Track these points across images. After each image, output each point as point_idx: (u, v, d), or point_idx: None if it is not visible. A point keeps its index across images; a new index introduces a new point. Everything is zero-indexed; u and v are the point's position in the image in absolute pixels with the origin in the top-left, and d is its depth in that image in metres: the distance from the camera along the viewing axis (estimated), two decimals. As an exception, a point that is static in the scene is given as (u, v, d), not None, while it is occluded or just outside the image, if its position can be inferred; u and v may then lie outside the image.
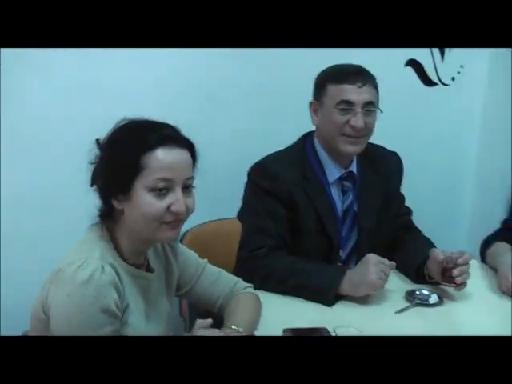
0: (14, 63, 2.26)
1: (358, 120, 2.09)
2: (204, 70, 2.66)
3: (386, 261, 1.96)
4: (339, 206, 2.22)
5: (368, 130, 2.14)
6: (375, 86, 2.15)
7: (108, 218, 1.58)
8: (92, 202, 1.60)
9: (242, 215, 2.23)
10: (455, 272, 1.96)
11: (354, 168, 2.24)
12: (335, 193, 2.22)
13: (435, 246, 2.23)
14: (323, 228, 2.17)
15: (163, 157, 1.52)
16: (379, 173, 2.28)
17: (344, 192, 2.23)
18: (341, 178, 2.22)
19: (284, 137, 2.30)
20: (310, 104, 2.21)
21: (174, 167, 1.52)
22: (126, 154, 1.51)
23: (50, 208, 2.47)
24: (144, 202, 1.51)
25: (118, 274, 1.52)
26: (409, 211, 2.42)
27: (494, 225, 3.37)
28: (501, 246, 2.28)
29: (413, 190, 2.45)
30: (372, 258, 1.96)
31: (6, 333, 2.04)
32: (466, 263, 1.98)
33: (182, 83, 2.63)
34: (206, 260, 1.85)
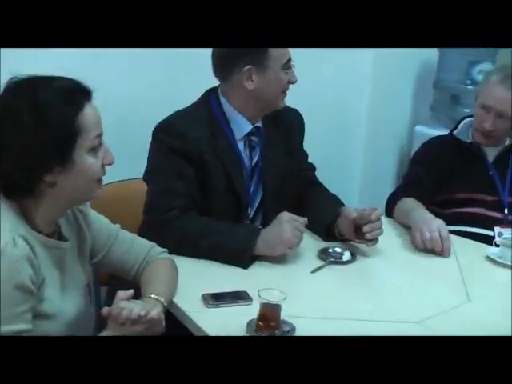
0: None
1: (294, 75, 2.14)
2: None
3: (299, 218, 1.96)
4: (247, 163, 2.19)
5: None
6: None
7: (24, 195, 1.46)
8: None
9: (148, 176, 2.14)
10: (366, 228, 1.99)
11: (259, 123, 2.21)
12: (243, 149, 2.19)
13: (342, 203, 2.26)
14: (232, 186, 2.13)
15: (92, 112, 1.45)
16: (281, 128, 2.27)
17: (252, 148, 2.20)
18: (249, 134, 2.18)
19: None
20: (245, 71, 2.09)
21: (99, 121, 1.47)
22: (60, 120, 1.40)
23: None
24: (87, 165, 1.45)
25: (31, 246, 1.42)
26: (312, 167, 2.42)
27: (385, 178, 3.51)
28: (409, 202, 2.33)
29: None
30: (285, 215, 1.96)
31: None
32: (378, 219, 2.00)
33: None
34: (118, 226, 1.77)
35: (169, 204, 2.02)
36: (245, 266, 1.93)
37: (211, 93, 2.21)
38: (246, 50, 2.09)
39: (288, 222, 1.93)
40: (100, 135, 1.48)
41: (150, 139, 2.12)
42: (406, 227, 2.22)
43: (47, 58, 2.18)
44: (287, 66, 2.10)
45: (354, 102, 3.49)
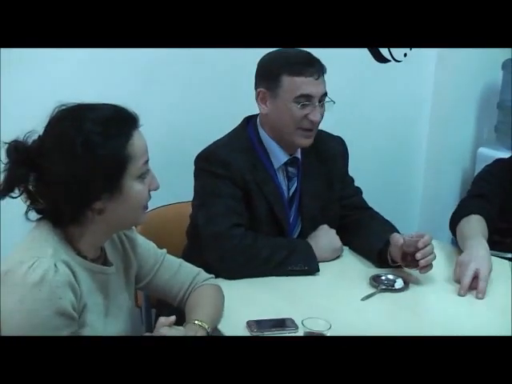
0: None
1: (316, 114, 2.05)
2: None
3: None
4: (285, 192, 2.18)
5: (320, 121, 2.11)
6: (324, 76, 2.10)
7: (71, 222, 1.47)
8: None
9: (199, 200, 2.13)
10: (418, 255, 1.92)
11: (298, 154, 2.20)
12: (281, 179, 2.18)
13: (394, 227, 2.21)
14: (273, 215, 2.13)
15: (140, 140, 1.46)
16: (321, 157, 2.24)
17: (289, 178, 2.19)
18: (285, 164, 2.17)
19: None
20: (258, 92, 2.12)
21: (146, 147, 1.49)
22: (111, 149, 1.41)
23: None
24: (135, 192, 1.46)
25: (73, 271, 1.42)
26: (359, 191, 2.37)
27: (447, 202, 3.41)
28: (472, 223, 2.18)
29: (364, 169, 2.41)
30: (325, 226, 2.15)
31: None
32: (428, 245, 1.93)
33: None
34: (164, 250, 1.77)
35: (232, 220, 2.02)
36: (316, 272, 2.04)
37: (249, 120, 2.20)
38: (264, 73, 2.10)
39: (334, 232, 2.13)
40: (147, 162, 1.49)
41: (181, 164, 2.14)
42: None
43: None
44: (301, 100, 2.03)
45: (415, 123, 3.43)
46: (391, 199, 3.22)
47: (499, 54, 3.25)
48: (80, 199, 1.42)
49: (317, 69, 2.05)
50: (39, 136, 1.46)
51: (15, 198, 1.45)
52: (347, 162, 2.34)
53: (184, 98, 2.67)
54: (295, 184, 2.19)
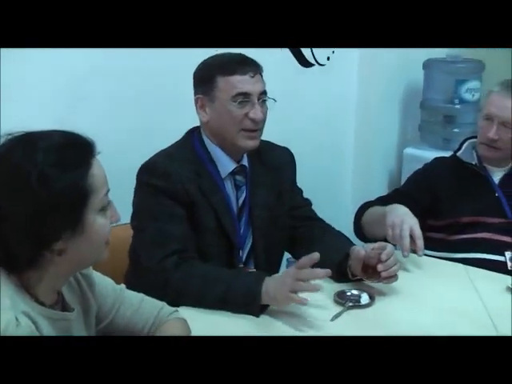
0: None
1: (257, 112, 1.96)
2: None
3: (304, 270, 1.74)
4: (234, 203, 2.08)
5: (263, 121, 2.01)
6: (262, 75, 2.03)
7: (27, 267, 1.29)
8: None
9: (136, 221, 2.00)
10: (380, 267, 1.86)
11: (245, 162, 2.10)
12: (229, 188, 2.07)
13: (348, 238, 2.16)
14: (221, 226, 2.02)
15: (100, 169, 1.31)
16: (268, 167, 2.16)
17: (237, 187, 2.09)
18: (233, 173, 2.07)
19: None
20: (196, 99, 2.03)
21: (106, 177, 1.33)
22: (71, 182, 1.24)
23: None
24: (98, 226, 1.30)
25: (34, 322, 1.25)
26: (308, 203, 2.30)
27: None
28: (379, 207, 2.24)
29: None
30: (288, 272, 1.79)
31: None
32: (390, 256, 1.88)
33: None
34: (123, 286, 1.62)
35: (165, 250, 1.89)
36: (256, 315, 1.78)
37: (194, 131, 2.10)
38: (199, 79, 2.02)
39: (290, 277, 1.74)
40: (107, 192, 1.33)
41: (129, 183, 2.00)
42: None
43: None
44: (239, 98, 1.95)
45: (340, 127, 3.40)
46: (321, 205, 3.16)
47: (420, 54, 3.27)
48: (37, 241, 1.24)
49: (252, 67, 1.97)
50: None
51: None
52: (295, 172, 2.26)
53: (114, 112, 2.51)
54: (244, 194, 2.09)
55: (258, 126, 1.99)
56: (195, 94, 2.03)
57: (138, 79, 2.52)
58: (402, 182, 3.25)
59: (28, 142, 1.27)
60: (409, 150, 3.41)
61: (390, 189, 3.43)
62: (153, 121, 2.61)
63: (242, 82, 1.95)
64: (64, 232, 1.26)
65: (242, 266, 2.06)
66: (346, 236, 2.18)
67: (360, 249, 1.92)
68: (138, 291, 1.66)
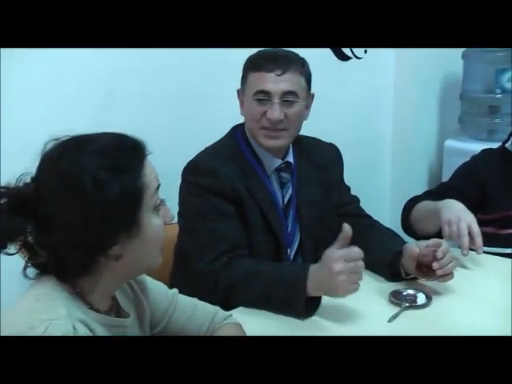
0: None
1: (273, 112, 1.90)
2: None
3: (352, 253, 1.67)
4: (280, 200, 2.03)
5: (290, 122, 1.94)
6: (303, 73, 1.96)
7: (81, 274, 1.25)
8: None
9: (183, 221, 1.97)
10: (435, 265, 1.80)
11: (290, 158, 2.05)
12: (274, 185, 2.03)
13: (398, 235, 2.11)
14: (268, 224, 1.98)
15: (151, 169, 1.27)
16: (314, 164, 2.11)
17: (282, 184, 2.04)
18: (278, 169, 2.03)
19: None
20: (238, 92, 2.02)
21: (156, 173, 1.29)
22: (124, 183, 1.20)
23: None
24: (154, 227, 1.26)
25: (91, 330, 1.21)
26: (356, 199, 2.25)
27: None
28: (430, 202, 2.16)
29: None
30: (331, 254, 1.67)
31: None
32: (446, 253, 1.82)
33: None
34: (176, 290, 1.58)
35: (215, 251, 1.85)
36: (301, 313, 1.72)
37: (237, 128, 2.07)
38: (242, 72, 1.99)
39: (340, 272, 1.63)
40: (158, 188, 1.29)
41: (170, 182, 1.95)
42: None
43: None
44: (259, 96, 1.91)
45: (378, 120, 3.34)
46: (360, 198, 3.12)
47: (459, 44, 3.20)
48: (93, 246, 1.20)
49: (281, 65, 1.91)
50: (32, 178, 1.24)
51: (12, 254, 1.23)
52: (342, 169, 2.22)
53: (149, 110, 2.46)
54: (290, 191, 2.04)
55: (276, 126, 1.93)
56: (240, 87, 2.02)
57: (174, 76, 2.47)
58: (443, 175, 3.23)
59: (78, 146, 1.23)
60: (449, 143, 3.34)
61: (431, 182, 3.40)
62: (190, 118, 2.56)
63: (263, 80, 1.91)
64: (120, 236, 1.22)
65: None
66: (395, 232, 2.12)
67: (414, 247, 1.86)
68: (186, 292, 1.62)
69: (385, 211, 3.43)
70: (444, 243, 1.84)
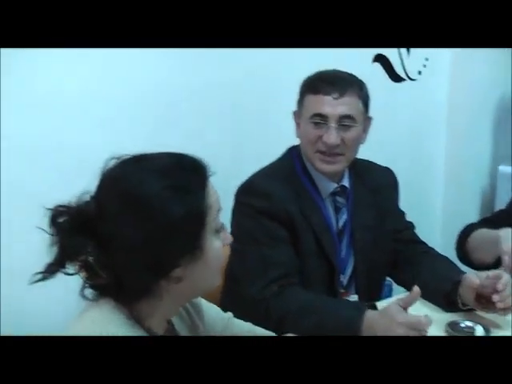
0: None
1: (329, 136, 1.87)
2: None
3: (418, 324, 1.55)
4: (334, 224, 1.99)
5: (346, 146, 1.91)
6: (361, 97, 1.92)
7: (141, 297, 1.24)
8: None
9: (236, 244, 1.91)
10: (495, 298, 1.75)
11: (346, 182, 2.02)
12: (329, 209, 2.00)
13: (454, 263, 2.06)
14: (322, 249, 1.94)
15: (214, 190, 1.25)
16: (370, 187, 2.07)
17: (337, 209, 2.01)
18: (333, 193, 1.99)
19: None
20: (294, 114, 2.00)
21: (218, 196, 1.28)
22: (189, 204, 1.19)
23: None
24: (215, 249, 1.25)
25: None
26: (411, 226, 2.21)
27: (467, 221, 3.27)
28: (488, 230, 2.09)
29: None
30: (396, 315, 1.58)
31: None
32: (507, 285, 1.77)
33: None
34: (230, 314, 1.57)
35: (266, 277, 1.83)
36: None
37: (293, 149, 2.04)
38: (299, 93, 1.96)
39: (400, 333, 1.55)
40: (219, 211, 1.28)
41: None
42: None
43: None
44: (316, 119, 1.88)
45: (431, 140, 3.29)
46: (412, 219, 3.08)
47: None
48: (156, 269, 1.19)
49: (339, 88, 1.87)
50: (93, 197, 1.23)
51: (71, 274, 1.23)
52: (398, 193, 2.18)
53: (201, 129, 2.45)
54: (344, 215, 2.00)
55: (332, 151, 1.89)
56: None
57: (231, 95, 2.47)
58: (497, 200, 3.15)
59: (141, 165, 1.22)
60: (504, 169, 3.27)
61: (483, 208, 3.33)
62: (246, 138, 2.55)
63: (321, 103, 1.87)
64: (183, 258, 1.20)
65: (342, 290, 1.99)
66: (451, 261, 2.07)
67: (474, 277, 1.80)
68: (236, 314, 1.62)
69: (435, 237, 3.38)
70: (505, 275, 1.79)
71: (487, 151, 3.39)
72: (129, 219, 1.17)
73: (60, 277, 1.21)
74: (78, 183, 1.21)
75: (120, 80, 2.14)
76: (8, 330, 1.73)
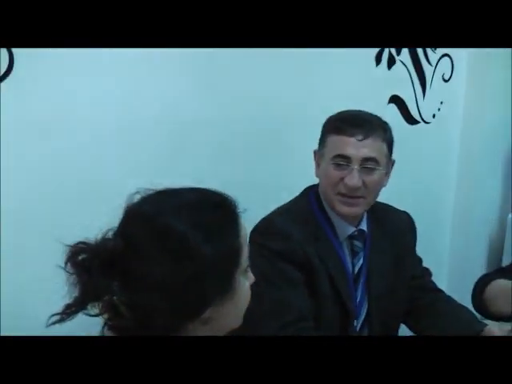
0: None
1: (352, 178, 1.83)
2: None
3: None
4: (350, 269, 1.95)
5: (368, 190, 1.87)
6: (385, 139, 1.88)
7: None
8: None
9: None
10: None
11: (364, 226, 1.97)
12: (346, 253, 1.95)
13: (473, 313, 2.02)
14: (337, 293, 1.90)
15: (245, 228, 1.22)
16: (388, 233, 2.03)
17: (354, 253, 1.96)
18: (351, 237, 1.95)
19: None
20: (314, 153, 1.96)
21: (247, 234, 1.25)
22: (224, 243, 1.15)
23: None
24: (245, 290, 1.22)
25: None
26: (428, 272, 2.18)
27: (474, 269, 3.25)
28: (506, 281, 2.04)
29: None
30: None
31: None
32: None
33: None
34: None
35: (281, 321, 1.78)
36: None
37: (311, 189, 2.00)
38: (321, 132, 1.92)
39: None
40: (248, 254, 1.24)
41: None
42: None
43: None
44: (338, 160, 1.84)
45: (440, 185, 3.26)
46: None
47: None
48: (187, 309, 1.14)
49: (363, 130, 1.83)
50: (116, 233, 1.17)
51: (94, 316, 1.16)
52: (415, 238, 2.13)
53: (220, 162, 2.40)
54: (361, 260, 1.96)
55: (353, 193, 1.85)
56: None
57: (248, 130, 2.42)
58: (505, 249, 3.12)
59: (172, 202, 1.18)
60: (513, 217, 3.25)
61: (491, 256, 3.30)
62: (261, 174, 2.49)
63: (344, 144, 1.83)
64: (215, 299, 1.15)
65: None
66: (469, 310, 2.04)
67: (495, 330, 1.79)
68: None
69: (441, 283, 3.33)
70: None
71: (497, 199, 3.36)
72: (160, 258, 1.12)
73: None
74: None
75: (133, 109, 2.09)
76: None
